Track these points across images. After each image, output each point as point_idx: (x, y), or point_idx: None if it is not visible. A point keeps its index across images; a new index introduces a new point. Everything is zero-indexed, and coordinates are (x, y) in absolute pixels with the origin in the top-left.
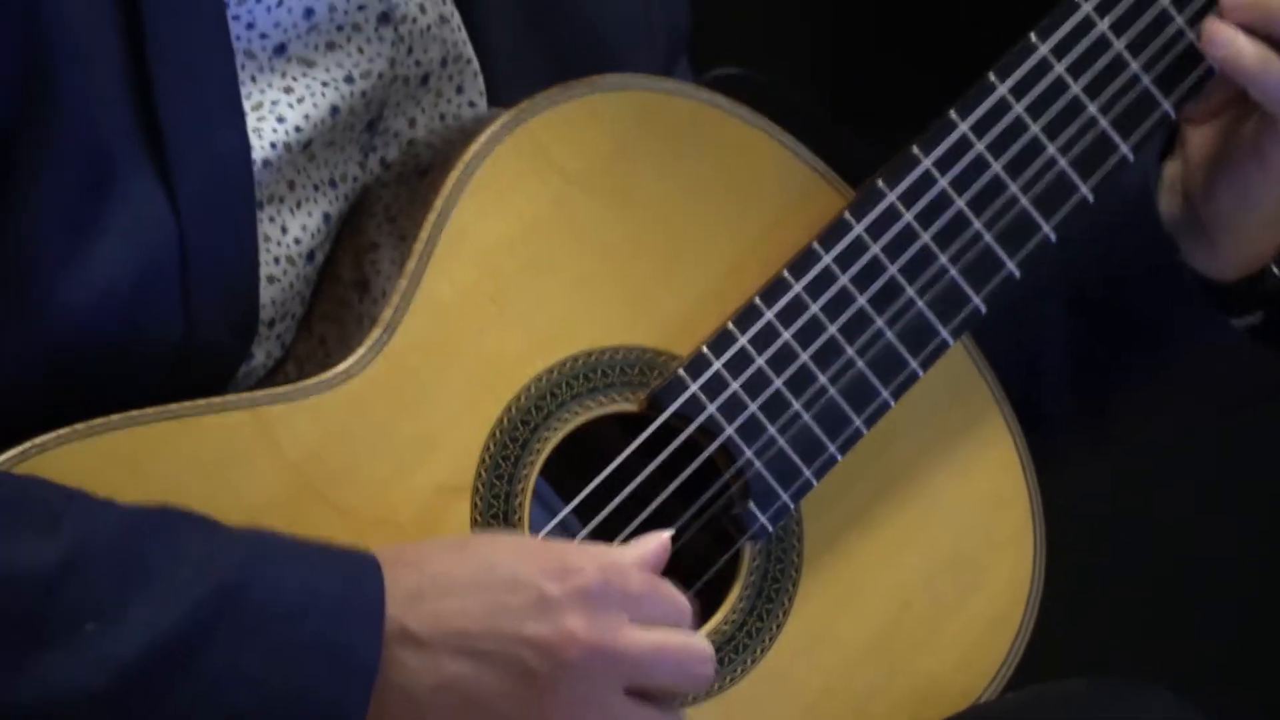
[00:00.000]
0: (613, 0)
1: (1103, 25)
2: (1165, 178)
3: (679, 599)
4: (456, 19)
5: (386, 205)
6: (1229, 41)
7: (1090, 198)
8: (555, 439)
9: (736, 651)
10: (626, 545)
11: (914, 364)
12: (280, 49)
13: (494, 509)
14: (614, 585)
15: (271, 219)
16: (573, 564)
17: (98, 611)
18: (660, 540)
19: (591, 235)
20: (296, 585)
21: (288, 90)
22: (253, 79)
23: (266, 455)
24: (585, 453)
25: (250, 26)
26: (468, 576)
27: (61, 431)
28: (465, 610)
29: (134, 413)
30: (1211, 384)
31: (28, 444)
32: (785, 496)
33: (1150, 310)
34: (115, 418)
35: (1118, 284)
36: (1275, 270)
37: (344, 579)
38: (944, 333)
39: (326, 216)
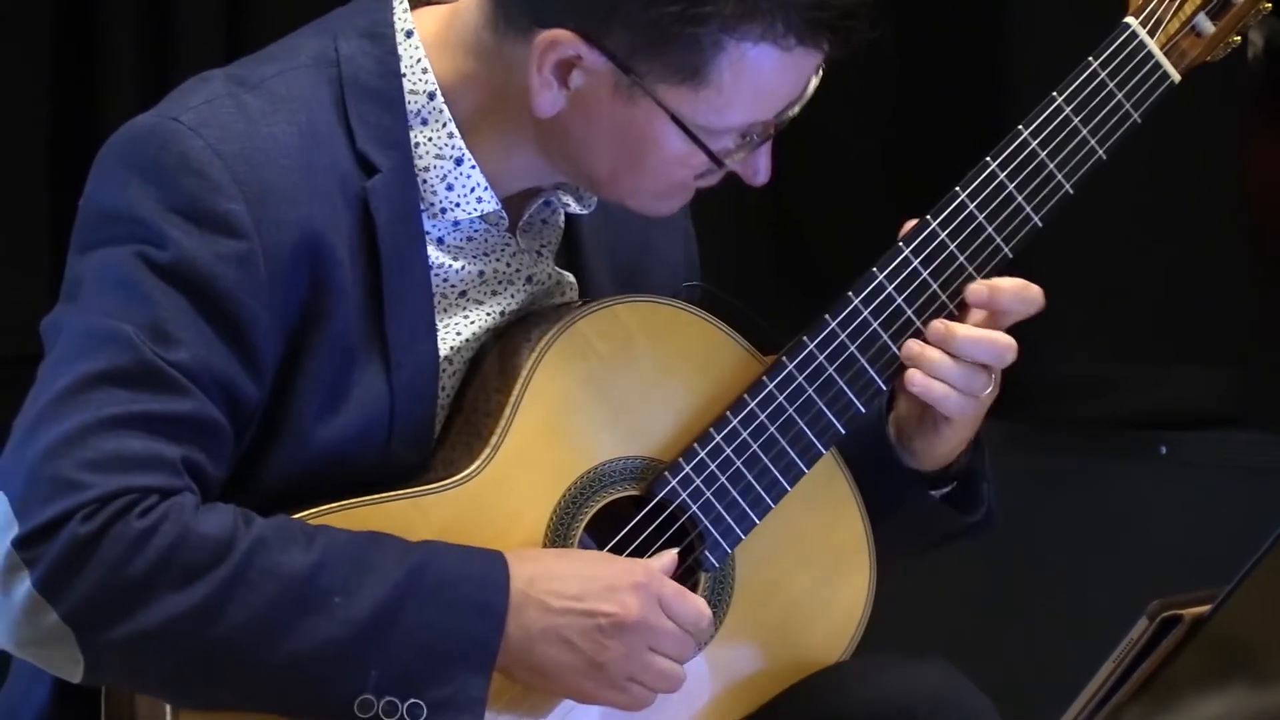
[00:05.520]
0: (664, 275)
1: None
2: (889, 417)
3: (697, 601)
4: (569, 279)
5: (483, 364)
6: (914, 380)
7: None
8: (593, 511)
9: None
10: (654, 556)
11: (803, 465)
12: (462, 294)
13: None
14: (654, 585)
15: (440, 383)
16: (631, 569)
17: (342, 590)
18: (671, 555)
19: (612, 390)
20: (454, 566)
21: (465, 317)
22: (444, 310)
23: (422, 525)
24: (611, 519)
25: (445, 280)
26: (566, 571)
27: (327, 505)
28: (565, 589)
29: (354, 499)
30: (911, 528)
31: (304, 512)
32: (726, 546)
33: (878, 485)
34: (348, 501)
35: (861, 467)
36: (957, 464)
37: (482, 563)
38: (821, 446)
39: (464, 379)
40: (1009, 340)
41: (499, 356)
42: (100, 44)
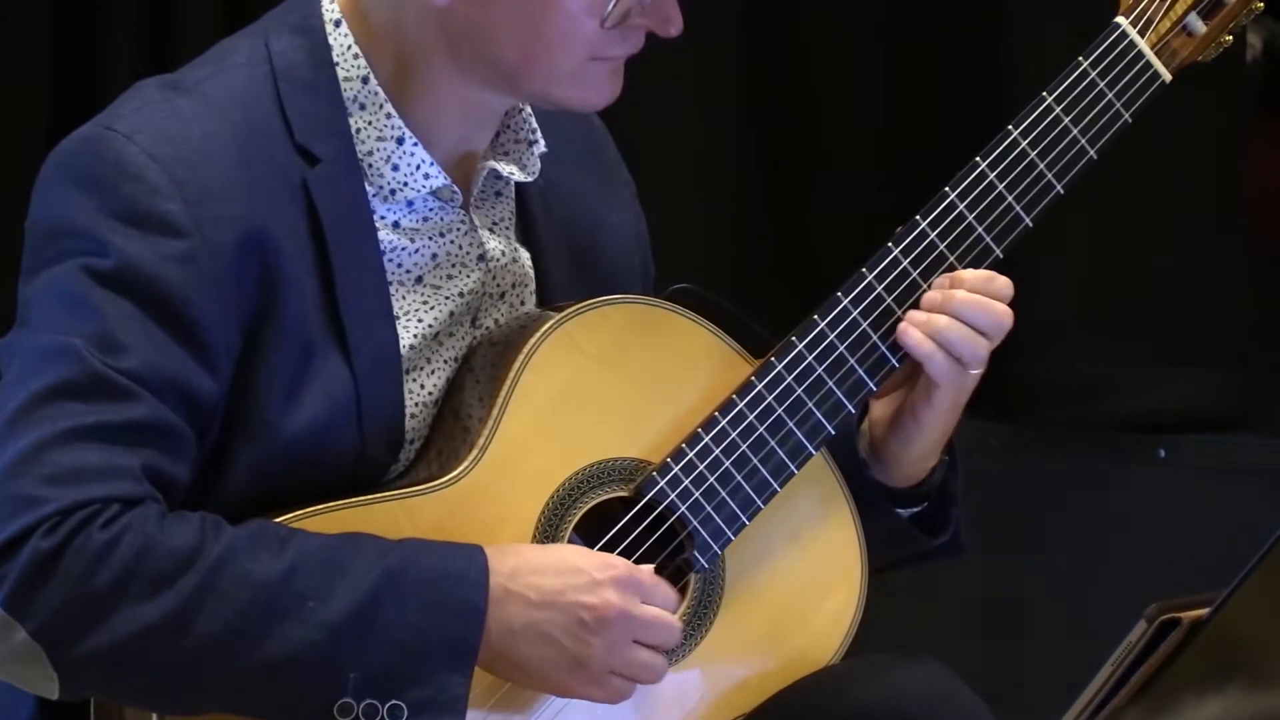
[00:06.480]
0: (619, 250)
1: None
2: (861, 429)
3: (670, 591)
4: (524, 256)
5: (472, 366)
6: (910, 333)
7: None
8: (581, 512)
9: (688, 637)
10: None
11: (793, 467)
12: (419, 279)
13: None
14: (634, 577)
15: (414, 379)
16: (611, 562)
17: (315, 594)
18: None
19: (601, 391)
20: (433, 564)
21: (424, 303)
22: (403, 297)
23: (409, 526)
24: (600, 521)
25: (400, 266)
26: (547, 564)
27: (314, 507)
28: (545, 583)
29: (336, 503)
30: (874, 546)
31: (288, 515)
32: (716, 547)
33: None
34: (334, 503)
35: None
36: (929, 482)
37: (462, 560)
38: (811, 447)
39: (448, 380)
40: (1005, 308)
41: (487, 358)
42: (100, 44)
